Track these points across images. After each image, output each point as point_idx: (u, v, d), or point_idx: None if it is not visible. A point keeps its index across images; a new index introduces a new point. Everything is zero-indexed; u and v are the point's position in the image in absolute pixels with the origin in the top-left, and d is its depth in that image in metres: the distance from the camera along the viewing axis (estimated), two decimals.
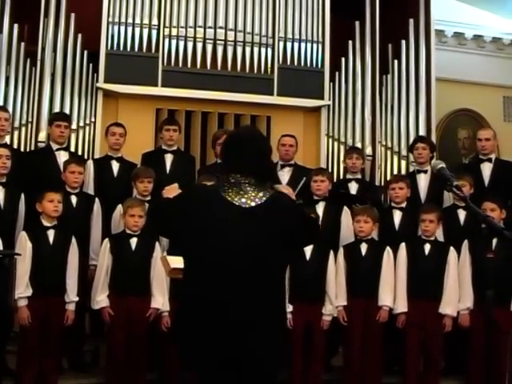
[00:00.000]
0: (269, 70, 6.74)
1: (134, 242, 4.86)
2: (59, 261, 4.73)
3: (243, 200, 2.78)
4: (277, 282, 2.85)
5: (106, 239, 4.94)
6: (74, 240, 4.82)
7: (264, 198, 2.81)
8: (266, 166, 2.96)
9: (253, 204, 2.78)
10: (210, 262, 2.74)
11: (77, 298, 4.77)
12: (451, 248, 5.11)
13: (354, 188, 5.90)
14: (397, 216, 5.44)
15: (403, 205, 5.46)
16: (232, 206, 2.77)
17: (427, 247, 5.09)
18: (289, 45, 6.81)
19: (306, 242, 3.21)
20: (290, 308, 4.75)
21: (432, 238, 5.12)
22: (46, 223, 4.77)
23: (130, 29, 6.48)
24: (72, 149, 6.09)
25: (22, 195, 5.11)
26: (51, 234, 4.75)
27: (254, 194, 2.80)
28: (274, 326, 2.77)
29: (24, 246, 4.65)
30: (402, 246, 5.12)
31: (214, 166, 5.75)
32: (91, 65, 6.51)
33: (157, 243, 4.91)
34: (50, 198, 4.76)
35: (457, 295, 5.04)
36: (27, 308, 4.59)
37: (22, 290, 4.54)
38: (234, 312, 2.68)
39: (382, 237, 5.31)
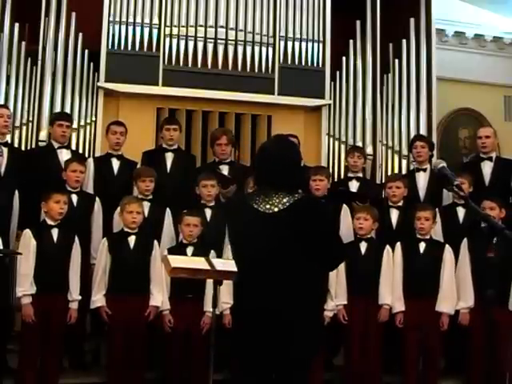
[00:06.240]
0: (270, 69, 6.74)
1: (132, 240, 4.85)
2: (63, 259, 4.72)
3: (267, 206, 2.92)
4: (303, 285, 2.92)
5: (104, 238, 4.94)
6: (76, 239, 4.82)
7: (287, 204, 2.91)
8: (293, 176, 3.03)
9: (276, 209, 2.90)
10: (243, 269, 2.98)
11: (79, 297, 4.77)
12: (446, 246, 5.11)
13: (354, 186, 5.90)
14: (394, 215, 5.46)
15: (400, 203, 5.48)
16: (257, 213, 2.92)
17: (422, 246, 5.09)
18: (290, 44, 6.81)
19: (328, 258, 3.06)
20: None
21: (427, 237, 5.12)
22: (50, 222, 4.77)
23: (130, 28, 6.48)
24: (73, 148, 6.09)
25: (16, 192, 5.09)
26: (55, 232, 4.75)
27: (278, 200, 2.92)
28: (304, 321, 2.90)
29: (28, 243, 4.64)
30: (398, 245, 5.12)
31: (213, 165, 5.75)
32: (92, 64, 6.51)
33: (155, 242, 4.91)
34: (56, 199, 4.75)
35: (453, 293, 5.03)
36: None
37: (27, 287, 4.54)
38: (262, 314, 2.88)
39: (380, 235, 5.30)
